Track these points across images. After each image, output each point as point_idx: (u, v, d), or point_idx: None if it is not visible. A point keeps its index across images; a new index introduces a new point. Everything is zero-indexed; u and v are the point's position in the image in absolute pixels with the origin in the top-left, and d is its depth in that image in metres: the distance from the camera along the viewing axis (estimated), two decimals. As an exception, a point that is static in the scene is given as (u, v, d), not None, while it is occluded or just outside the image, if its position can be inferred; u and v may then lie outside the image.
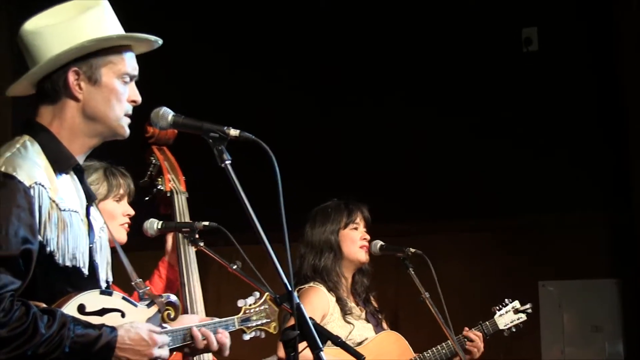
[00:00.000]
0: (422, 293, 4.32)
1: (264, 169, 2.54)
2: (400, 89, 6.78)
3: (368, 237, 4.51)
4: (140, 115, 2.82)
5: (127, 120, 2.71)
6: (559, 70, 6.54)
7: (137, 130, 3.79)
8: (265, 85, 6.94)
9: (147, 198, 3.88)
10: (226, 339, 2.89)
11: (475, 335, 4.48)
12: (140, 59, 2.77)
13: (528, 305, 4.65)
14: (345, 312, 4.41)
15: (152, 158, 3.89)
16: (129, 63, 2.70)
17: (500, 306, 4.62)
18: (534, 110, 6.57)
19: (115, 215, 3.70)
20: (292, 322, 2.61)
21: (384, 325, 4.59)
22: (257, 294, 3.10)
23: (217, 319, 2.94)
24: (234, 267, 3.24)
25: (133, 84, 2.72)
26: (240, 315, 3.03)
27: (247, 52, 7.04)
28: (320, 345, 2.57)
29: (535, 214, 6.43)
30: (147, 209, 3.83)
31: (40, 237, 2.51)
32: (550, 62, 6.57)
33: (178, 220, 3.79)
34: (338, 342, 2.86)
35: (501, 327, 4.59)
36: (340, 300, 4.42)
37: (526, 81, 6.60)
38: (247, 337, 3.06)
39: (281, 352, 4.22)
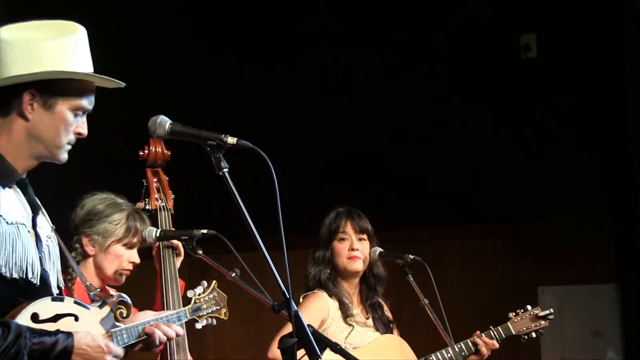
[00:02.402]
0: (422, 299, 4.32)
1: (264, 176, 2.55)
2: (401, 96, 6.79)
3: (357, 247, 4.48)
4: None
5: (68, 147, 2.75)
6: (558, 76, 6.55)
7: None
8: (269, 87, 6.94)
9: None
10: (175, 331, 2.92)
11: (487, 341, 4.46)
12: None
13: (548, 311, 4.61)
14: (347, 315, 4.41)
15: (144, 181, 4.00)
16: (87, 99, 2.74)
17: (518, 311, 4.59)
18: (534, 116, 6.58)
19: (121, 260, 3.78)
20: (289, 328, 2.62)
21: (395, 333, 4.58)
22: (205, 283, 3.18)
23: (169, 313, 2.98)
24: (233, 275, 3.25)
25: (84, 117, 2.76)
26: (190, 305, 3.09)
27: (250, 60, 7.05)
28: (319, 353, 2.57)
29: (534, 219, 6.44)
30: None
31: None
32: (549, 68, 6.58)
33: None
34: (337, 349, 2.86)
35: (515, 332, 4.56)
36: (342, 305, 4.42)
37: (525, 88, 6.61)
38: (199, 325, 3.13)
39: (272, 354, 4.21)
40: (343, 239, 4.48)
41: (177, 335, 2.94)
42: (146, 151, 4.02)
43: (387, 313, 4.62)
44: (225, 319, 3.24)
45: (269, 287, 2.99)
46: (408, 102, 6.77)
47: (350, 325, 4.40)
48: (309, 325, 2.61)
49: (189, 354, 3.85)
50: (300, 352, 2.58)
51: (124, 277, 3.83)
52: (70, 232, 3.84)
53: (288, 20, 6.97)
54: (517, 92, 6.63)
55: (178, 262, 3.88)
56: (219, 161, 2.61)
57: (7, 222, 2.62)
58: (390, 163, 6.71)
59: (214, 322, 3.22)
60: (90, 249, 3.78)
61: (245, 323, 6.75)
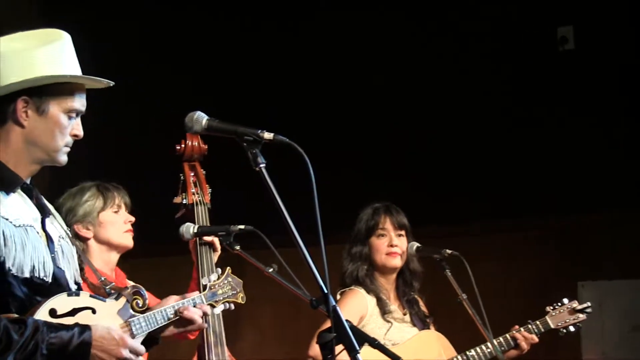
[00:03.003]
0: (459, 294, 4.31)
1: (302, 171, 2.54)
2: (436, 90, 6.76)
3: (397, 242, 4.47)
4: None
5: (66, 150, 2.82)
6: (596, 68, 6.48)
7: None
8: (306, 83, 6.93)
9: (177, 215, 3.99)
10: (194, 314, 2.96)
11: (526, 335, 4.43)
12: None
13: (586, 305, 4.58)
14: (384, 311, 4.41)
15: (181, 175, 4.03)
16: (78, 100, 2.81)
17: (556, 305, 4.56)
18: (570, 110, 6.51)
19: (116, 224, 3.91)
20: (328, 324, 2.61)
21: (432, 328, 4.57)
22: (219, 270, 3.22)
23: (185, 299, 3.01)
24: (270, 270, 3.26)
25: (78, 119, 2.83)
26: (206, 292, 3.11)
27: (288, 56, 7.05)
28: (357, 348, 2.57)
29: (573, 212, 6.38)
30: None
31: None
32: (586, 60, 6.51)
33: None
34: (375, 344, 2.86)
35: (553, 326, 4.53)
36: (380, 301, 4.42)
37: (562, 80, 6.55)
38: (217, 310, 3.16)
39: (312, 352, 4.22)
40: (382, 235, 4.48)
41: (204, 315, 2.98)
42: (183, 145, 4.04)
43: (423, 308, 4.61)
44: (243, 302, 3.26)
45: (305, 283, 2.99)
46: (442, 96, 6.73)
47: (388, 322, 4.40)
48: (347, 320, 2.60)
49: (226, 350, 3.87)
50: (339, 348, 2.59)
51: (130, 238, 3.95)
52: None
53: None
54: (553, 85, 6.56)
55: (215, 257, 3.90)
56: (255, 157, 2.62)
57: (14, 225, 2.69)
58: (427, 158, 6.68)
59: (232, 306, 3.25)
60: (85, 232, 3.89)
61: (283, 319, 6.76)
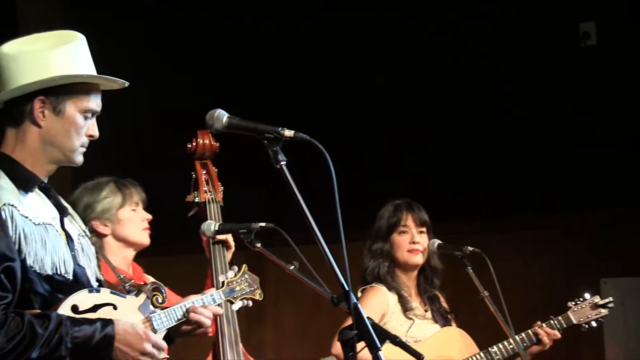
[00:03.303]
0: (481, 292, 4.29)
1: (323, 169, 2.54)
2: (454, 86, 6.73)
3: (419, 240, 4.46)
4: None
5: (82, 150, 2.85)
6: (618, 64, 6.44)
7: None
8: (323, 81, 6.92)
9: (190, 214, 4.01)
10: (200, 317, 2.98)
11: (548, 331, 4.41)
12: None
13: (608, 300, 4.55)
14: (406, 309, 4.40)
15: (193, 173, 4.04)
16: (94, 100, 2.84)
17: (577, 301, 4.54)
18: (593, 105, 6.48)
19: (134, 221, 3.93)
20: (350, 321, 2.61)
21: (453, 325, 4.56)
22: (236, 267, 3.25)
23: (203, 295, 3.05)
24: (291, 267, 3.26)
25: (94, 119, 2.86)
26: (224, 288, 3.15)
27: (304, 52, 7.05)
28: (379, 345, 2.56)
29: (596, 209, 6.34)
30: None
31: (20, 253, 2.65)
32: (609, 56, 6.47)
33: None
34: (396, 341, 2.86)
35: (575, 321, 4.50)
36: (401, 299, 4.41)
37: (584, 76, 6.51)
38: (235, 307, 3.20)
39: (335, 350, 4.23)
40: (403, 232, 4.47)
41: (216, 315, 3.02)
42: (194, 144, 4.04)
43: (444, 304, 4.60)
44: (260, 299, 3.29)
45: (325, 281, 2.99)
46: (461, 92, 6.71)
47: (410, 319, 4.39)
48: (368, 318, 2.60)
49: (242, 347, 3.87)
50: (360, 345, 2.58)
51: (147, 236, 3.96)
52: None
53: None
54: (576, 81, 6.53)
55: (229, 254, 3.91)
56: (276, 154, 2.62)
57: (34, 224, 2.72)
58: (448, 155, 6.66)
59: (250, 303, 3.28)
60: (103, 229, 3.91)
61: (305, 317, 6.76)
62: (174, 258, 5.68)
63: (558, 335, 4.44)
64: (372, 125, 6.81)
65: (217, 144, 4.06)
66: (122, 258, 3.92)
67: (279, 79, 6.94)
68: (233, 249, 3.90)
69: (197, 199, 3.97)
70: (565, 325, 4.49)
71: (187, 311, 2.94)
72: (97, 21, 6.56)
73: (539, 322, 4.46)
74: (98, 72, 2.87)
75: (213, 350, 3.87)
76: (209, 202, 3.97)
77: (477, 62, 6.71)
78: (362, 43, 6.86)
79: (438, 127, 6.72)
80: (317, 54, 6.93)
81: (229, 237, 3.86)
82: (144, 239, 3.95)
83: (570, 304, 4.53)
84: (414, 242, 4.45)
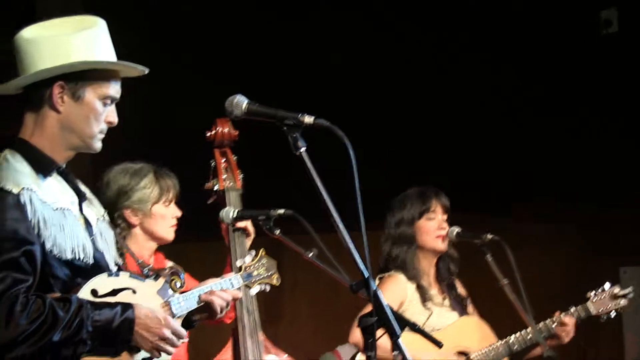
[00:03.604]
0: (500, 280, 4.28)
1: (342, 155, 2.53)
2: (476, 74, 6.70)
3: (446, 226, 4.47)
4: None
5: (101, 136, 2.85)
6: (640, 52, 6.39)
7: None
8: (353, 68, 6.90)
9: (209, 201, 4.01)
10: (215, 300, 2.98)
11: (568, 320, 4.39)
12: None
13: (628, 290, 4.51)
14: (425, 298, 4.40)
15: (212, 161, 4.05)
16: (114, 87, 2.83)
17: (597, 291, 4.51)
18: (613, 94, 6.43)
19: (165, 218, 3.93)
20: (369, 309, 2.60)
21: (469, 310, 4.56)
22: (254, 252, 3.25)
23: (221, 280, 3.05)
24: (310, 254, 3.25)
25: (113, 105, 2.86)
26: (241, 272, 3.16)
27: (324, 37, 7.02)
28: (398, 332, 2.56)
29: (615, 198, 6.30)
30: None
31: (39, 238, 2.65)
32: (630, 44, 6.42)
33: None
34: (416, 328, 2.85)
35: (594, 312, 4.48)
36: (420, 288, 4.41)
37: (605, 64, 6.46)
38: (253, 291, 3.21)
39: (354, 338, 4.23)
40: (431, 218, 4.47)
41: (234, 299, 3.01)
42: (213, 131, 4.03)
43: (461, 290, 4.60)
44: (277, 284, 3.30)
45: (345, 267, 2.98)
46: (480, 81, 6.67)
47: (428, 309, 4.39)
48: (387, 305, 2.59)
49: (261, 334, 3.87)
50: (379, 332, 2.58)
51: (173, 233, 3.97)
52: (107, 211, 3.92)
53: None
54: (596, 68, 6.48)
55: (248, 242, 3.91)
56: (296, 141, 2.60)
57: (52, 209, 2.72)
58: (467, 143, 6.64)
59: (267, 288, 3.29)
60: (134, 220, 3.91)
61: (323, 304, 6.76)
62: (194, 245, 5.67)
63: (572, 332, 4.40)
64: (393, 112, 6.78)
65: (236, 132, 4.05)
66: (146, 248, 3.94)
67: (300, 65, 6.91)
68: (253, 236, 3.90)
69: (216, 187, 3.98)
70: (583, 316, 4.46)
71: (206, 294, 2.94)
72: (116, 7, 6.56)
73: (557, 313, 4.44)
74: (118, 59, 2.86)
75: (233, 337, 3.88)
76: (227, 190, 3.97)
77: (496, 51, 6.67)
78: (383, 30, 6.83)
79: (459, 116, 6.69)
80: (337, 41, 6.90)
81: (248, 224, 3.86)
82: (170, 236, 3.96)
83: (589, 294, 4.50)
84: (441, 228, 4.45)
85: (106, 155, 2.97)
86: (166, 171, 3.97)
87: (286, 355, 3.98)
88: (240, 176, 4.03)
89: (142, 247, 3.92)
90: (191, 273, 3.61)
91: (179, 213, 3.97)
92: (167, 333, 2.74)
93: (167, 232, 3.94)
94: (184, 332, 2.83)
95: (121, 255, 3.56)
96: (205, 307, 2.97)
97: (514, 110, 6.60)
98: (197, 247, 4.24)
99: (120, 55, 2.89)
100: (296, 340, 6.51)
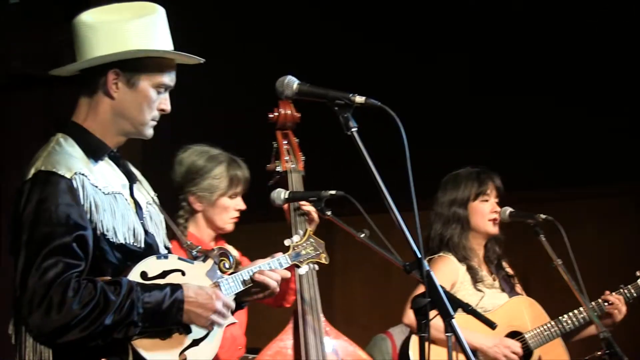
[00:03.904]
0: (554, 260, 4.24)
1: (393, 136, 2.51)
2: (531, 55, 6.62)
3: (498, 209, 4.44)
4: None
5: (153, 124, 2.86)
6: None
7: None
8: (397, 52, 6.87)
9: (270, 182, 4.00)
10: (265, 278, 2.97)
11: (615, 299, 4.35)
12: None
13: None
14: (476, 280, 4.37)
15: (274, 143, 4.04)
16: (168, 75, 2.84)
17: None
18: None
19: (228, 210, 3.96)
20: (422, 289, 2.59)
21: (518, 289, 4.53)
22: (301, 231, 3.25)
23: (270, 260, 3.04)
24: (362, 235, 3.24)
25: (167, 93, 2.86)
26: (290, 252, 3.14)
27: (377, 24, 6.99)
28: (452, 313, 2.54)
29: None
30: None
31: (91, 222, 2.67)
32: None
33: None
34: (469, 309, 2.84)
35: None
36: (470, 269, 4.38)
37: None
38: (302, 271, 3.21)
39: (407, 319, 4.22)
40: (485, 200, 4.44)
41: (284, 279, 3.01)
42: (276, 113, 4.04)
43: (508, 269, 4.56)
44: (326, 263, 3.29)
45: (397, 248, 2.97)
46: (535, 61, 6.60)
47: (480, 290, 4.37)
48: (440, 286, 2.58)
49: (322, 316, 3.88)
50: (432, 313, 2.57)
51: (233, 225, 4.00)
52: (174, 191, 3.94)
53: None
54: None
55: (312, 227, 3.89)
56: (347, 121, 2.61)
57: (103, 193, 2.74)
58: (521, 122, 6.57)
59: (316, 267, 3.30)
60: (198, 206, 3.94)
61: (374, 284, 6.76)
62: (254, 226, 5.69)
63: (623, 310, 4.36)
64: (445, 92, 6.74)
65: (299, 115, 4.05)
66: (206, 234, 3.98)
67: (354, 45, 6.89)
68: (317, 221, 3.85)
69: (278, 168, 3.98)
70: (635, 294, 4.41)
71: (255, 274, 2.94)
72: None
73: (607, 292, 4.40)
74: (176, 46, 2.85)
75: (294, 319, 3.89)
76: (290, 171, 3.97)
77: (554, 29, 6.58)
78: (432, 9, 6.78)
79: (513, 95, 6.62)
80: (392, 22, 6.87)
81: (311, 210, 3.83)
82: (229, 227, 3.99)
83: (639, 272, 4.45)
84: (494, 212, 4.42)
85: (156, 139, 2.98)
86: (240, 162, 4.00)
87: (345, 337, 3.99)
88: (302, 158, 4.03)
89: (203, 232, 3.97)
90: (248, 255, 3.62)
91: (243, 206, 3.99)
92: (219, 306, 2.76)
93: (226, 223, 3.97)
94: (232, 303, 2.84)
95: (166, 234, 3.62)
96: (255, 287, 2.96)
97: (572, 88, 6.51)
98: (245, 230, 4.25)
99: (179, 37, 2.89)
100: (349, 322, 6.53)
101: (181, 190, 3.94)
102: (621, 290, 4.41)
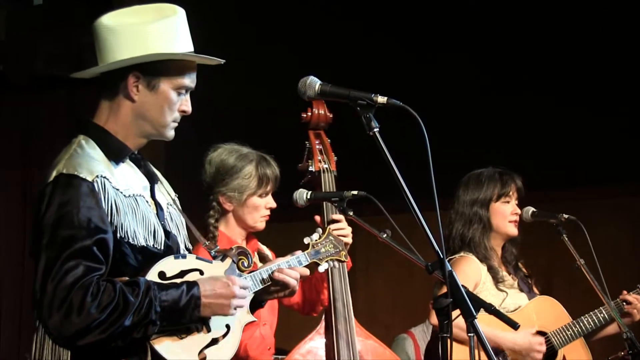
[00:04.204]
0: (577, 260, 4.23)
1: (414, 135, 2.51)
2: (549, 54, 6.60)
3: (519, 211, 4.42)
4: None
5: (174, 125, 2.87)
6: None
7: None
8: (416, 53, 6.87)
9: (302, 181, 4.00)
10: (285, 277, 2.96)
11: (633, 298, 4.33)
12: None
13: None
14: (497, 280, 4.36)
15: (307, 142, 4.05)
16: (189, 77, 2.84)
17: None
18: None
19: (258, 209, 3.95)
20: (444, 289, 2.58)
21: (535, 290, 4.51)
22: (320, 229, 3.22)
23: (289, 257, 3.04)
24: (384, 235, 3.24)
25: (187, 95, 2.87)
26: (309, 250, 3.13)
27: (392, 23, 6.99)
28: (474, 313, 2.54)
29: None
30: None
31: (111, 225, 2.68)
32: None
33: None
34: (491, 309, 2.82)
35: None
36: (491, 269, 4.37)
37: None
38: (322, 268, 3.17)
39: (433, 320, 4.21)
40: (507, 202, 4.42)
41: (302, 276, 3.00)
42: (309, 113, 4.04)
43: (524, 270, 4.55)
44: (346, 260, 3.29)
45: (418, 248, 2.97)
46: (553, 60, 6.57)
47: (502, 291, 4.35)
48: (462, 286, 2.57)
49: (353, 318, 3.88)
50: (455, 313, 2.56)
51: (264, 224, 4.00)
52: (205, 191, 3.95)
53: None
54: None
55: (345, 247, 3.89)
56: (369, 121, 2.61)
57: (124, 195, 2.75)
58: (543, 121, 6.55)
59: (336, 264, 3.30)
60: (228, 206, 3.94)
61: (396, 284, 6.76)
62: (286, 225, 5.70)
63: None
64: (466, 92, 6.73)
65: (331, 115, 4.05)
66: (237, 234, 3.98)
67: (374, 47, 6.90)
68: (350, 240, 3.75)
69: (311, 168, 3.98)
70: None
71: (274, 272, 2.94)
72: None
73: (625, 292, 4.38)
74: (197, 47, 2.86)
75: (325, 319, 3.89)
76: (323, 171, 3.97)
77: (567, 30, 6.56)
78: (432, 9, 6.78)
79: (534, 93, 6.61)
80: (413, 22, 6.87)
81: (346, 225, 3.78)
82: (260, 226, 3.99)
83: None
84: (515, 213, 4.41)
85: (180, 140, 2.99)
86: (270, 160, 3.98)
87: (375, 338, 3.99)
88: (335, 158, 4.04)
89: (234, 231, 3.97)
90: (280, 253, 3.61)
91: (274, 205, 3.98)
92: (237, 290, 2.76)
93: (257, 222, 3.97)
94: (248, 282, 2.85)
95: (213, 237, 3.61)
96: (274, 285, 2.96)
97: (593, 86, 6.48)
98: (287, 228, 4.25)
99: (200, 38, 2.90)
100: (371, 322, 6.53)
101: (211, 190, 3.94)
102: (639, 289, 4.39)
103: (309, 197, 3.73)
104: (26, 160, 6.71)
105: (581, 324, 4.34)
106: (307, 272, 3.05)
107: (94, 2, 5.68)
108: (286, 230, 5.12)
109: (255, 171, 3.92)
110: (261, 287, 2.92)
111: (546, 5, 6.62)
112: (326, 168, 3.99)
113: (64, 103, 6.65)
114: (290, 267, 2.99)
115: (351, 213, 3.51)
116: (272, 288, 2.97)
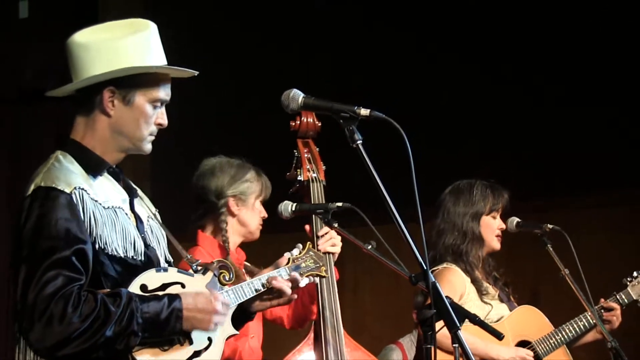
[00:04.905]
0: (562, 269, 4.25)
1: (398, 147, 2.53)
2: (535, 64, 6.63)
3: (503, 226, 4.44)
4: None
5: (151, 139, 2.88)
6: None
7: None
8: (409, 59, 6.88)
9: (291, 190, 4.01)
10: (283, 284, 2.98)
11: (615, 305, 4.37)
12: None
13: None
14: (481, 292, 4.36)
15: (295, 151, 4.05)
16: (164, 90, 2.86)
17: (631, 277, 4.48)
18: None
19: (260, 214, 4.00)
20: (429, 300, 2.60)
21: (512, 298, 4.53)
22: (300, 245, 3.21)
23: (271, 269, 3.04)
24: (369, 247, 3.25)
25: (163, 108, 2.88)
26: (289, 264, 3.12)
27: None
28: (458, 324, 2.55)
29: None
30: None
31: (90, 236, 2.69)
32: None
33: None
34: (476, 320, 2.83)
35: (635, 297, 4.45)
36: (475, 282, 4.37)
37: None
38: (302, 283, 3.14)
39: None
40: (495, 217, 4.44)
41: (294, 283, 2.99)
42: (298, 122, 4.04)
43: (501, 279, 4.56)
44: (326, 275, 3.31)
45: (403, 260, 2.98)
46: (538, 70, 6.59)
47: (487, 303, 4.36)
48: (447, 297, 2.59)
49: (342, 329, 3.89)
50: (439, 324, 2.58)
51: (259, 231, 4.04)
52: (207, 200, 3.94)
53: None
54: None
55: (335, 252, 3.90)
56: (352, 133, 2.63)
57: (103, 207, 2.76)
58: (527, 132, 6.57)
59: (316, 280, 3.27)
60: (236, 209, 3.96)
61: (384, 295, 6.76)
62: (273, 236, 5.72)
63: (619, 317, 4.37)
64: (451, 103, 6.74)
65: (320, 124, 4.04)
66: (232, 242, 3.98)
67: (360, 59, 6.91)
68: (338, 251, 3.85)
69: (300, 177, 3.99)
70: (626, 301, 4.44)
71: (265, 283, 2.95)
72: (179, 5, 6.60)
73: (602, 299, 4.41)
74: (180, 58, 2.88)
75: (314, 330, 3.89)
76: (312, 180, 3.97)
77: (559, 39, 6.59)
78: (438, 17, 6.80)
79: (518, 104, 6.62)
80: (396, 33, 6.89)
81: (334, 236, 3.82)
82: (258, 233, 4.04)
83: (625, 280, 4.49)
84: (500, 228, 4.43)
85: (163, 155, 2.99)
86: (260, 171, 4.05)
87: (363, 349, 3.99)
88: (324, 168, 4.04)
89: (231, 238, 3.97)
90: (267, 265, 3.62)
91: (265, 214, 4.03)
92: (219, 306, 2.77)
93: (257, 229, 4.02)
94: (229, 300, 2.85)
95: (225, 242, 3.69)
96: (258, 298, 2.97)
97: (579, 96, 6.50)
98: (275, 239, 4.25)
99: (194, 50, 2.89)
100: (359, 333, 6.53)
101: (222, 195, 3.95)
102: (615, 297, 4.43)
103: (293, 209, 3.74)
104: (15, 174, 6.71)
105: (563, 332, 4.37)
106: (300, 279, 3.05)
107: (80, 15, 5.69)
108: (272, 241, 5.14)
109: (256, 176, 3.99)
110: (243, 300, 2.91)
111: (519, 12, 6.65)
112: (315, 177, 3.98)
113: (52, 116, 6.65)
114: (274, 277, 2.98)
115: (336, 225, 3.52)
116: (265, 296, 2.98)
